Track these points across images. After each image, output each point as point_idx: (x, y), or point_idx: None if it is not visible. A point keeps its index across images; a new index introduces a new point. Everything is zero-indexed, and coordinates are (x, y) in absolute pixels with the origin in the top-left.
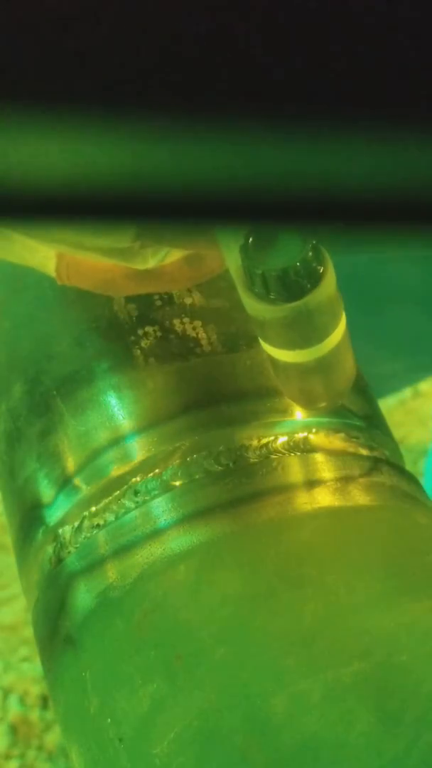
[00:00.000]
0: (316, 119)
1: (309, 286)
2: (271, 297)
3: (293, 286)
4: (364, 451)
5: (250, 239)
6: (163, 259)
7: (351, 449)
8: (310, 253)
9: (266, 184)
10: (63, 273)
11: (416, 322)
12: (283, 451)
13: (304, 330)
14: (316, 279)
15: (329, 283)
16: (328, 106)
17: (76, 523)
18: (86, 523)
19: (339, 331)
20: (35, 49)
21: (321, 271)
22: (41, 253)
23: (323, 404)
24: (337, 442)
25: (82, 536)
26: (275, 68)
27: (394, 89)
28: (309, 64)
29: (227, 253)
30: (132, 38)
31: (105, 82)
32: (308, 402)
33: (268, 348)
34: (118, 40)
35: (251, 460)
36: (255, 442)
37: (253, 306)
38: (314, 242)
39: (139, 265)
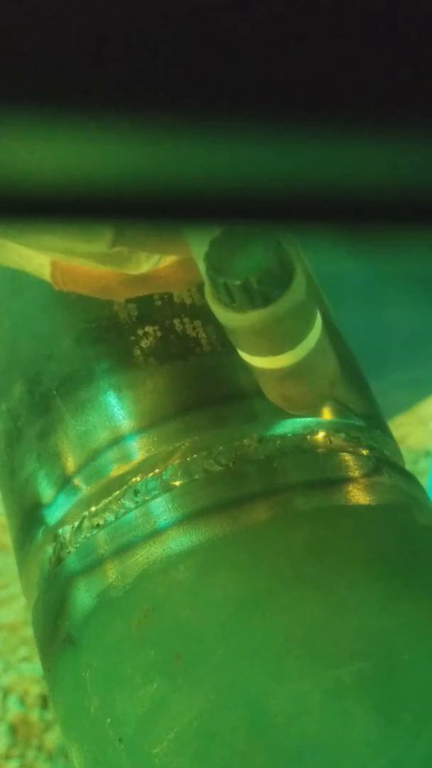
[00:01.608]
0: (293, 120)
1: (275, 294)
2: (237, 306)
3: (257, 295)
4: (364, 451)
5: (213, 248)
6: (157, 263)
7: (351, 449)
8: (275, 261)
9: (243, 184)
10: (58, 279)
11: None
12: (283, 451)
13: (274, 337)
14: (282, 286)
15: (297, 290)
16: (309, 107)
17: (76, 523)
18: (86, 523)
19: (313, 336)
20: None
21: (287, 278)
22: (36, 260)
23: (306, 408)
24: (337, 442)
25: (82, 536)
26: (255, 67)
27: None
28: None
29: (198, 260)
30: (109, 38)
31: (82, 82)
32: (291, 406)
33: (242, 354)
34: (96, 39)
35: (251, 460)
36: (255, 442)
37: (221, 314)
38: (279, 249)
39: (133, 270)
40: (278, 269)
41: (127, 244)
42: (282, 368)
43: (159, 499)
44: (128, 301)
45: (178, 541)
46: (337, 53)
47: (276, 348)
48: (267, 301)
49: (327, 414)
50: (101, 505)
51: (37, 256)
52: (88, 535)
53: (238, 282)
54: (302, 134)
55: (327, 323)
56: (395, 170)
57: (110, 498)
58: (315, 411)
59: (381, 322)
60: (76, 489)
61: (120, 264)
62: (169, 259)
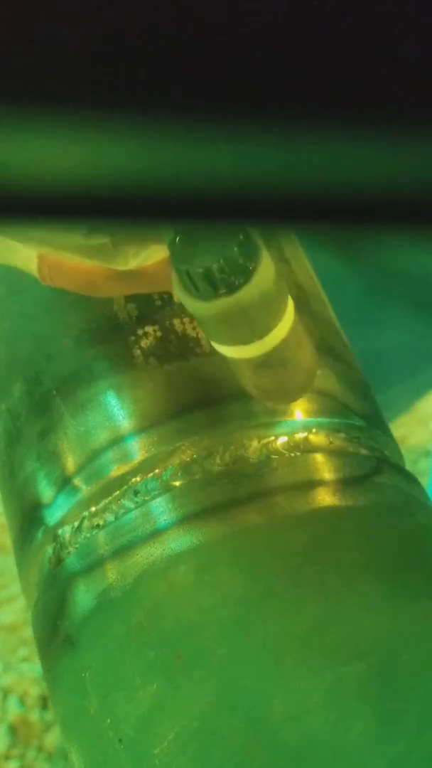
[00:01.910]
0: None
1: (237, 282)
2: (200, 294)
3: (220, 283)
4: (364, 451)
5: (177, 236)
6: (145, 260)
7: (351, 449)
8: (237, 250)
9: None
10: (45, 274)
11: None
12: (283, 451)
13: (241, 326)
14: (245, 275)
15: (263, 279)
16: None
17: (76, 524)
18: (86, 523)
19: (284, 327)
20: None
21: (252, 267)
22: (23, 253)
23: (282, 399)
24: (338, 442)
25: (82, 536)
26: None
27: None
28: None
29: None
30: (85, 36)
31: (75, 83)
32: (266, 397)
33: (213, 344)
34: (73, 40)
35: (251, 461)
36: (255, 442)
37: (187, 302)
38: (244, 239)
39: (121, 266)
40: (241, 258)
41: (103, 233)
42: (252, 358)
43: (159, 500)
44: (128, 300)
45: (178, 542)
46: (334, 54)
47: (244, 337)
48: (230, 289)
49: (327, 414)
50: (101, 505)
51: (24, 249)
52: (88, 535)
53: (200, 269)
54: (298, 134)
55: (326, 322)
56: (390, 171)
57: (110, 498)
58: (291, 402)
59: (378, 340)
60: (75, 489)
61: (107, 259)
62: (157, 256)
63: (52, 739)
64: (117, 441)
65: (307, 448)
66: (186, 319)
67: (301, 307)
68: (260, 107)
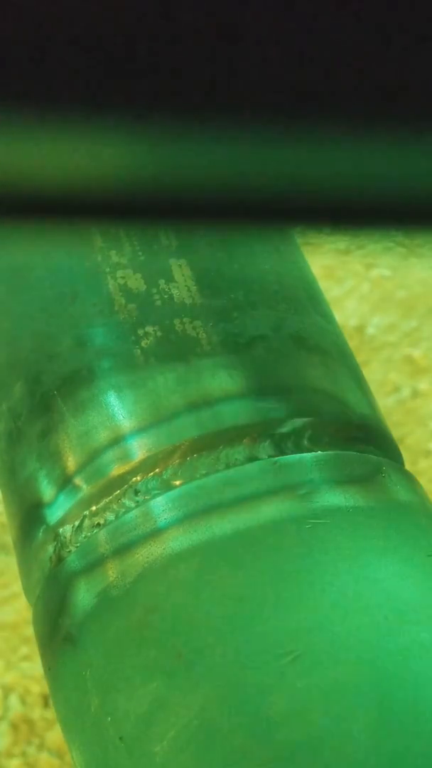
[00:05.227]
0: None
1: None
2: None
3: None
4: (364, 452)
5: None
6: None
7: (351, 449)
8: None
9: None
10: None
11: None
12: (282, 450)
13: None
14: None
15: None
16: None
17: (77, 523)
18: (86, 522)
19: None
20: None
21: None
22: None
23: None
24: (337, 442)
25: (83, 535)
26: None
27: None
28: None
29: None
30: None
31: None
32: None
33: None
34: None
35: (251, 460)
36: (255, 442)
37: None
38: None
39: None
40: None
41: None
42: None
43: (159, 499)
44: (128, 301)
45: (178, 541)
46: (337, 57)
47: None
48: None
49: (326, 414)
50: (102, 504)
51: None
52: (89, 534)
53: None
54: (300, 135)
55: (328, 321)
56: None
57: (111, 497)
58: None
59: None
60: (76, 488)
61: None
62: None
63: (54, 737)
64: (117, 440)
65: (306, 448)
66: (186, 319)
67: (301, 308)
68: (257, 108)
